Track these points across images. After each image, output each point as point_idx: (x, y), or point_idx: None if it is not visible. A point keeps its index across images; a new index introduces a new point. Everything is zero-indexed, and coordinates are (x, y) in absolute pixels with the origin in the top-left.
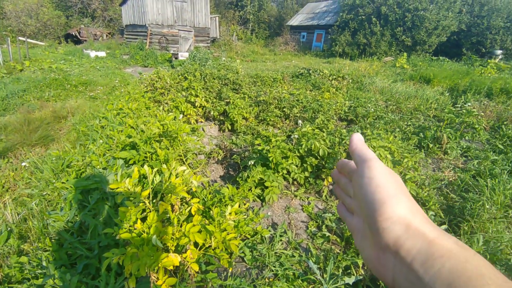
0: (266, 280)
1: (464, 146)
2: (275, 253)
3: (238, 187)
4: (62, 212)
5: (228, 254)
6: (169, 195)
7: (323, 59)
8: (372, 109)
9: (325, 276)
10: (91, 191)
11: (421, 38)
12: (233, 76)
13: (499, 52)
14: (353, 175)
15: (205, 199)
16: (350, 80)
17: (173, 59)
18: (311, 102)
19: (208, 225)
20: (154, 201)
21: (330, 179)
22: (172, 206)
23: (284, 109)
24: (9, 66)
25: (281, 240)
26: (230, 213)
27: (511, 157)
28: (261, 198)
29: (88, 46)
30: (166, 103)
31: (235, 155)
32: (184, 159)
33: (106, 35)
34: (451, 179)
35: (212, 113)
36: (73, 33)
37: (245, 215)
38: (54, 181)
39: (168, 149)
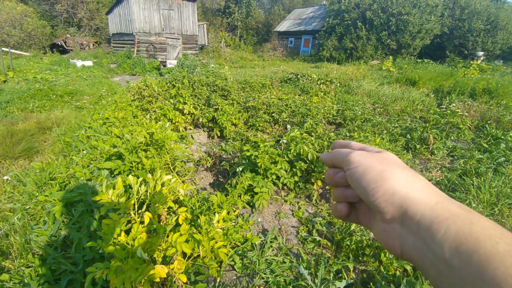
0: None
1: (450, 146)
2: (266, 260)
3: (227, 194)
4: (45, 226)
5: (218, 263)
6: (156, 205)
7: (311, 64)
8: (360, 112)
9: (316, 281)
10: (75, 204)
11: (406, 42)
12: (221, 83)
13: (480, 53)
14: (346, 173)
15: (193, 208)
16: (338, 84)
17: (161, 66)
18: (299, 107)
19: (196, 234)
20: (139, 211)
21: (320, 183)
22: (159, 216)
23: (273, 114)
24: None
25: (271, 246)
26: (218, 221)
27: (496, 155)
28: (251, 204)
29: (74, 55)
30: (154, 111)
31: (224, 162)
32: (172, 168)
33: (93, 44)
34: (438, 179)
35: (201, 120)
36: (59, 42)
37: (234, 222)
38: (37, 194)
39: (155, 158)
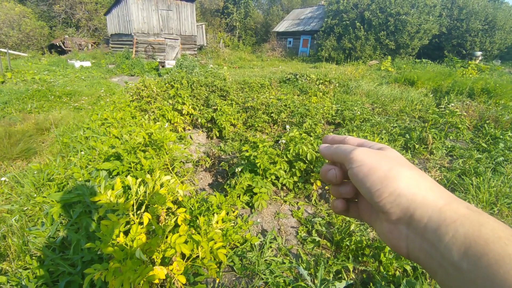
0: None
1: (449, 146)
2: (265, 260)
3: (226, 194)
4: (43, 228)
5: (217, 264)
6: (155, 205)
7: (309, 64)
8: (359, 112)
9: (316, 282)
10: (73, 205)
11: (404, 42)
12: (220, 83)
13: (479, 53)
14: (348, 172)
15: (192, 208)
16: (337, 84)
17: (160, 67)
18: (298, 107)
19: (195, 234)
20: (138, 212)
21: (319, 183)
22: (158, 217)
23: (272, 115)
24: None
25: (271, 247)
26: (217, 222)
27: (495, 155)
28: (250, 205)
29: (72, 56)
30: (153, 111)
31: (223, 162)
32: (170, 168)
33: (91, 45)
34: (437, 178)
35: (199, 120)
36: (57, 43)
37: (233, 223)
38: (35, 195)
39: (154, 159)
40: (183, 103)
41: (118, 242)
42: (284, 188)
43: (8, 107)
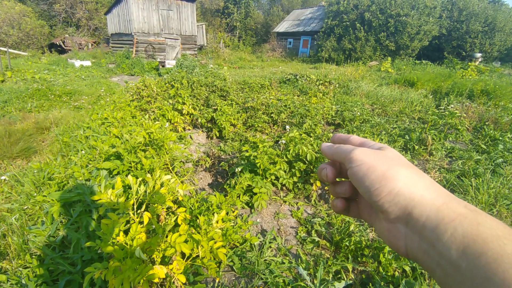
0: None
1: (449, 147)
2: (265, 260)
3: (226, 194)
4: (44, 227)
5: (217, 264)
6: (155, 205)
7: (309, 65)
8: (359, 113)
9: (315, 282)
10: (73, 204)
11: (404, 43)
12: (220, 83)
13: (478, 55)
14: (347, 171)
15: (192, 208)
16: (337, 85)
17: (160, 67)
18: (298, 107)
19: (195, 234)
20: (138, 211)
21: (318, 184)
22: (158, 216)
23: (272, 115)
24: None
25: (270, 247)
26: (217, 221)
27: (494, 156)
28: (250, 205)
29: (73, 55)
30: (153, 111)
31: (223, 162)
32: (171, 168)
33: (92, 44)
34: (437, 179)
35: (199, 120)
36: (57, 42)
37: (233, 222)
38: (35, 194)
39: (154, 158)
40: (183, 103)
41: (118, 241)
42: (284, 188)
43: (8, 106)
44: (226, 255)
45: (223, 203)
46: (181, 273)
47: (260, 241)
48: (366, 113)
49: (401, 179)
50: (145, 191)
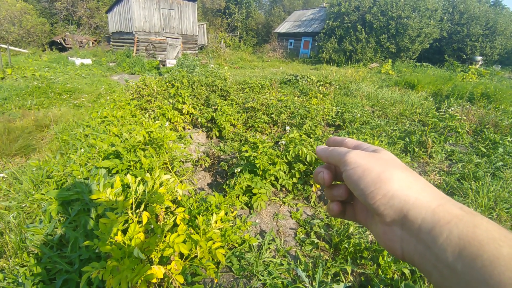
0: None
1: (449, 150)
2: (263, 261)
3: (225, 194)
4: (41, 225)
5: (215, 264)
6: (154, 204)
7: (310, 66)
8: (359, 115)
9: (314, 284)
10: (72, 202)
11: (405, 45)
12: (221, 83)
13: (479, 58)
14: (342, 174)
15: (191, 208)
16: (337, 86)
17: (161, 66)
18: (298, 108)
19: (194, 234)
20: (137, 211)
21: (318, 185)
22: (157, 216)
23: (272, 115)
24: None
25: (269, 248)
26: (216, 222)
27: (494, 160)
28: (249, 205)
29: (73, 53)
30: (153, 110)
31: (223, 162)
32: (170, 167)
33: (92, 43)
34: (436, 182)
35: (199, 120)
36: (58, 40)
37: (232, 223)
38: (33, 192)
39: (153, 157)
40: (184, 103)
41: (116, 241)
42: (283, 189)
43: (7, 103)
44: (225, 256)
45: (222, 204)
46: (179, 274)
47: (259, 242)
48: (367, 115)
49: (396, 182)
50: (144, 191)
